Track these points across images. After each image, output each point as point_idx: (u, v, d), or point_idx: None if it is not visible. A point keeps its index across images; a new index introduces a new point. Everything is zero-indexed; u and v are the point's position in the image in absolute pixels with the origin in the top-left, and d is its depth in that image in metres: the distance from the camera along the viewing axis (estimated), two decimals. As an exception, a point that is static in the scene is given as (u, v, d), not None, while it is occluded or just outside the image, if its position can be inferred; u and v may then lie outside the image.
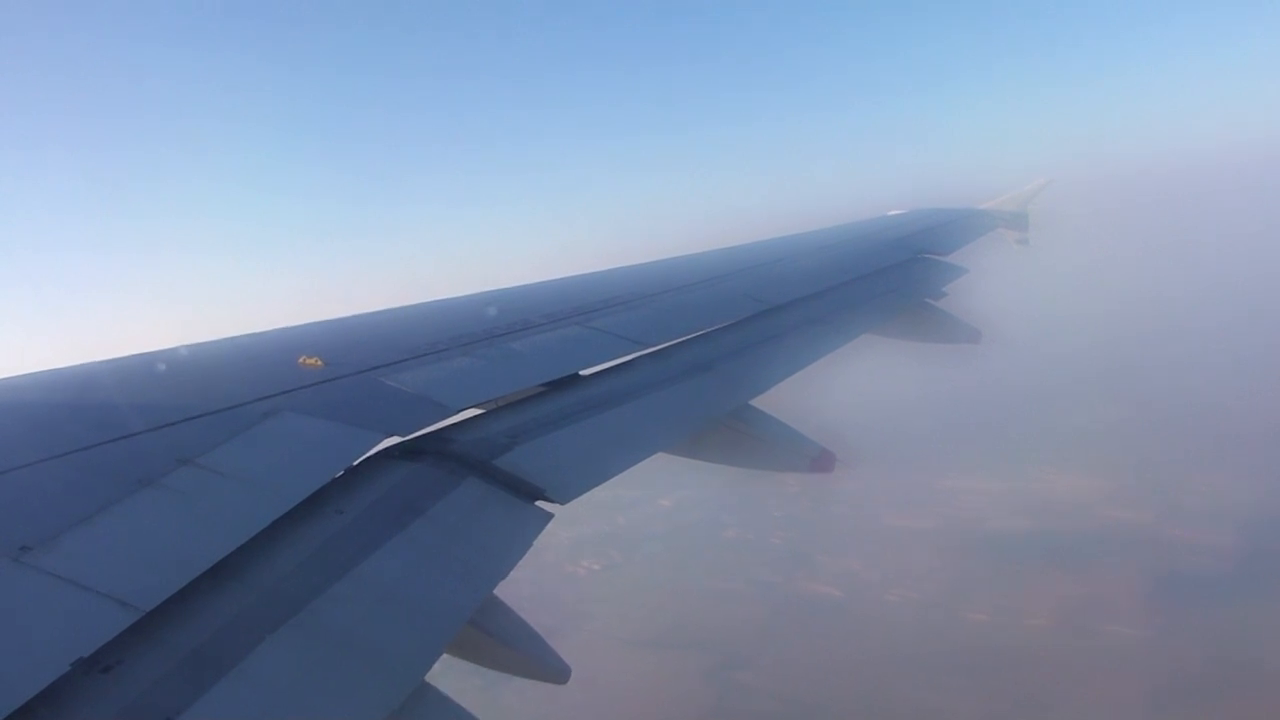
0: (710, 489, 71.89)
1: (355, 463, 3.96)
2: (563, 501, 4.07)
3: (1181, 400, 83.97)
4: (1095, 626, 53.43)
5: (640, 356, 5.86)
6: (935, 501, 73.71)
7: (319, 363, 4.81)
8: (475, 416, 4.77)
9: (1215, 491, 65.60)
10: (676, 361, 5.96)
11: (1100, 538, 63.04)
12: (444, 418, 4.46)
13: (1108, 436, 79.09)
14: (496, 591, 3.57)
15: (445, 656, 3.06)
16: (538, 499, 4.04)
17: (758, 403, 5.77)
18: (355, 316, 6.82)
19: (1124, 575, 57.97)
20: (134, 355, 5.23)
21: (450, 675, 3.14)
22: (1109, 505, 67.88)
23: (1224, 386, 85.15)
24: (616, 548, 73.50)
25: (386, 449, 4.13)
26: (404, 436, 4.21)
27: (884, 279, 9.11)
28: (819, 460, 5.60)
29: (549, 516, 3.98)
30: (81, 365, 5.07)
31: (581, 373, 5.48)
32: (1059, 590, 57.77)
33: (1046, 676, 49.34)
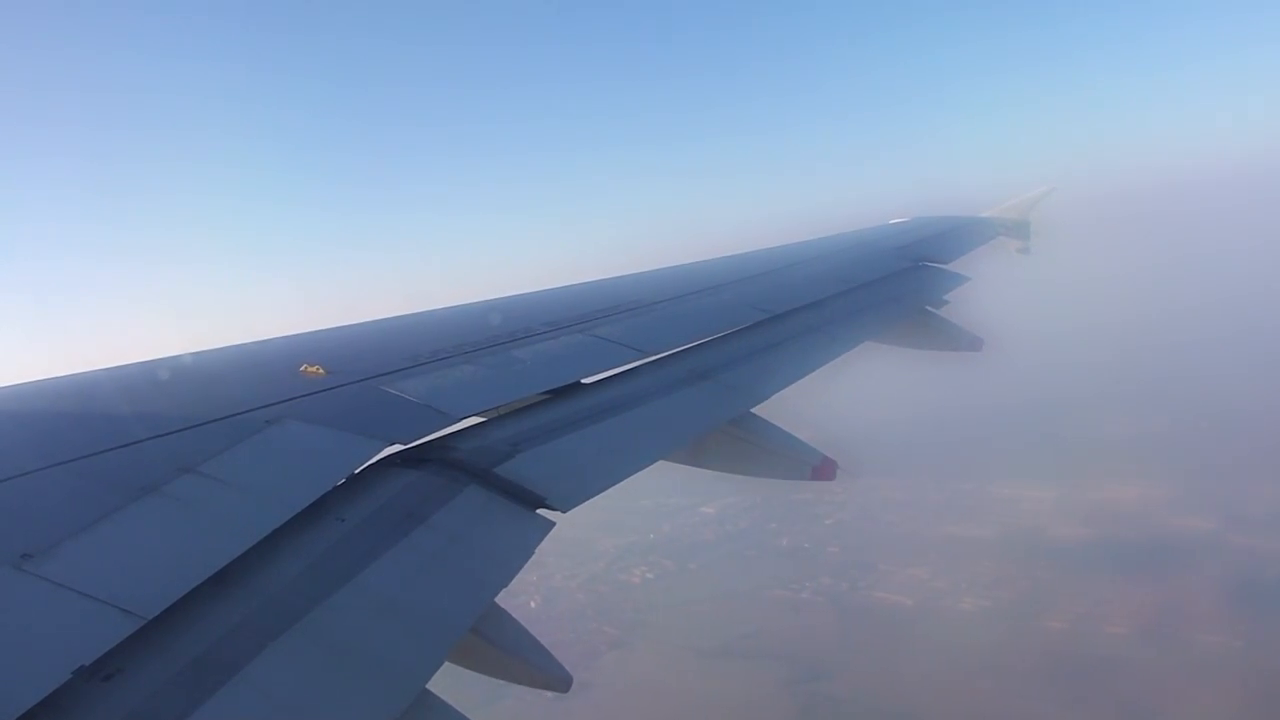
0: (754, 496, 71.33)
1: (357, 470, 3.96)
2: (564, 510, 4.06)
3: (1216, 409, 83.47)
4: (1182, 635, 52.67)
5: (642, 364, 5.86)
6: (990, 509, 73.31)
7: (321, 370, 4.81)
8: (477, 424, 4.77)
9: (1272, 499, 64.91)
10: (678, 369, 5.96)
11: (1166, 546, 62.69)
12: (446, 426, 4.46)
13: (1151, 444, 78.75)
14: (508, 601, 3.56)
15: (447, 665, 3.06)
16: (539, 507, 4.03)
17: (760, 410, 5.77)
18: (357, 324, 6.83)
19: (1199, 583, 57.36)
20: (136, 363, 5.24)
21: (452, 683, 3.13)
22: (1168, 513, 67.45)
23: (1252, 395, 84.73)
24: (668, 556, 72.96)
25: (388, 457, 4.13)
26: (406, 444, 4.21)
27: (885, 287, 9.11)
28: (820, 468, 5.59)
29: (550, 525, 3.98)
30: (83, 373, 5.08)
31: (583, 381, 5.48)
32: (1136, 599, 57.22)
33: (1141, 686, 48.58)
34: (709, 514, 78.22)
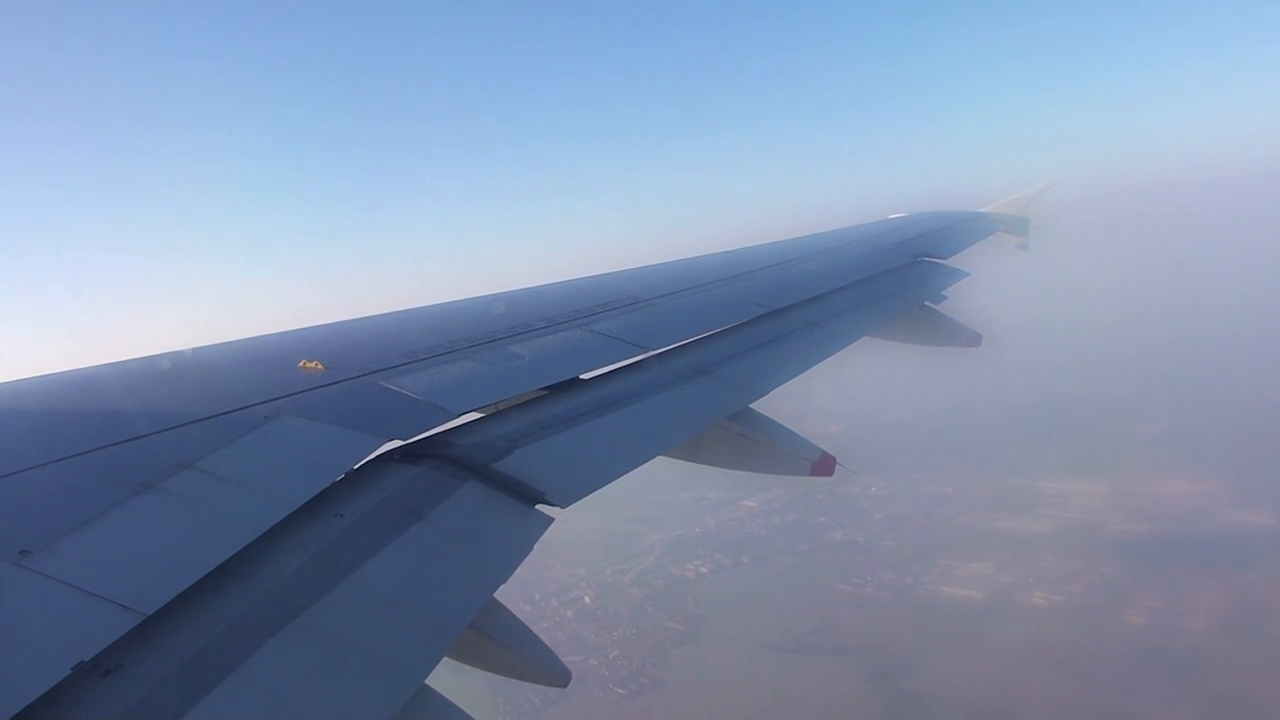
0: (797, 491, 70.50)
1: (356, 466, 3.95)
2: (563, 505, 4.06)
3: (1246, 405, 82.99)
4: (1265, 630, 52.35)
5: (641, 360, 5.86)
6: (1040, 504, 72.81)
7: (320, 366, 4.81)
8: (476, 420, 4.76)
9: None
10: (677, 365, 5.96)
11: (1228, 540, 62.43)
12: (445, 421, 4.46)
13: (1191, 440, 78.33)
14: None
15: (446, 660, 3.06)
16: (538, 503, 4.03)
17: (760, 406, 5.77)
18: (356, 320, 6.82)
19: (1271, 578, 57.07)
20: (135, 359, 5.24)
21: (451, 679, 3.12)
22: (1225, 507, 67.09)
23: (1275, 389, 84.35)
24: (718, 550, 72.06)
25: (387, 453, 4.13)
26: (405, 440, 4.21)
27: (884, 282, 9.11)
28: (819, 464, 5.60)
29: (550, 520, 3.98)
30: (82, 369, 5.07)
31: (582, 376, 5.48)
32: (1209, 593, 56.87)
33: (1232, 679, 48.25)
34: (752, 508, 77.36)
